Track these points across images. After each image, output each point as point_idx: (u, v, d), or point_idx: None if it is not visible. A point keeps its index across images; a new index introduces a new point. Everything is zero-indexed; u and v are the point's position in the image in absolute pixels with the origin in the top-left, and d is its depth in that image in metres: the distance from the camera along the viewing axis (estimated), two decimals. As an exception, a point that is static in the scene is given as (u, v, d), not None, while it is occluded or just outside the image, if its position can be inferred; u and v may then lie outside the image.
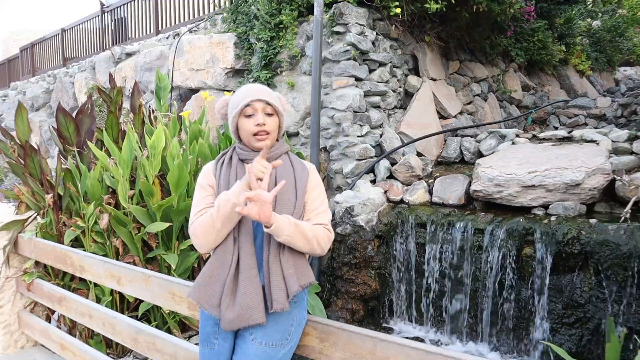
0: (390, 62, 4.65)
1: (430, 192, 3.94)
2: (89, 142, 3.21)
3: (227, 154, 1.74)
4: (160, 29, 7.52)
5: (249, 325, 1.53)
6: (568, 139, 4.15)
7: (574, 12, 7.98)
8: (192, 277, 3.25)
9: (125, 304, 3.12)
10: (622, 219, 2.96)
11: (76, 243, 3.17)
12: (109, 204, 3.10)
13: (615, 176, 3.27)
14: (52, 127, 3.47)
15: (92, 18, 9.27)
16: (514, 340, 3.25)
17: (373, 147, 4.32)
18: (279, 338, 1.59)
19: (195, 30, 5.99)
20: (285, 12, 4.46)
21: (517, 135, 4.45)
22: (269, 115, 1.64)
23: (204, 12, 6.56)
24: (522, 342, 3.21)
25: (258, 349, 1.56)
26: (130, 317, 2.72)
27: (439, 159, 4.69)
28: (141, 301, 3.01)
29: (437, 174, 4.21)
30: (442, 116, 5.13)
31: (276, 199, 1.58)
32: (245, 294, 1.54)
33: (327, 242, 1.61)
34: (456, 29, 5.24)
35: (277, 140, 1.72)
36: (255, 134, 1.62)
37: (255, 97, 1.62)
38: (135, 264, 3.02)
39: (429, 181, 4.08)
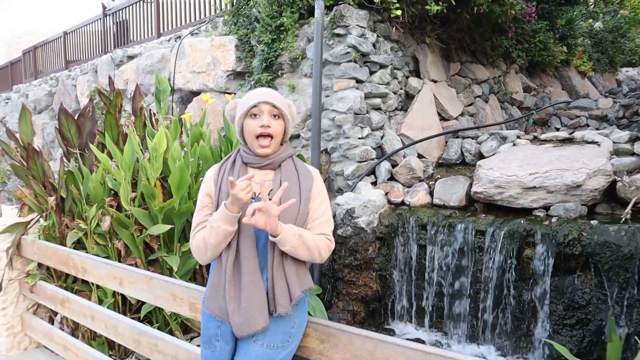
0: (391, 64, 4.66)
1: (431, 193, 3.95)
2: (90, 145, 3.22)
3: (230, 158, 1.74)
4: (161, 31, 7.55)
5: (255, 332, 1.55)
6: (569, 140, 4.15)
7: (575, 13, 7.98)
8: (193, 279, 3.26)
9: (127, 306, 3.13)
10: (623, 220, 2.96)
11: (78, 245, 3.19)
12: (111, 206, 3.12)
13: (616, 177, 3.27)
14: (56, 128, 3.49)
15: (94, 21, 9.31)
16: (514, 342, 3.25)
17: (374, 149, 4.33)
18: (280, 340, 1.60)
19: (196, 33, 6.02)
20: (286, 14, 4.47)
21: (518, 137, 4.45)
22: (275, 118, 1.64)
23: (205, 15, 6.58)
24: (523, 344, 3.21)
25: (259, 351, 1.58)
26: (133, 318, 2.73)
27: (439, 161, 4.69)
28: (143, 303, 3.03)
29: (438, 176, 4.21)
30: (443, 118, 5.14)
31: (280, 203, 1.59)
32: (250, 298, 1.56)
33: (328, 252, 1.64)
34: (457, 31, 5.24)
35: (282, 144, 1.72)
36: (258, 136, 1.63)
37: (262, 99, 1.63)
38: (137, 266, 3.03)
39: (430, 183, 4.08)
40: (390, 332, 3.69)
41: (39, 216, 3.28)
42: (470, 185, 3.76)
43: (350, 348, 1.60)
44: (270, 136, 1.63)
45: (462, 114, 5.39)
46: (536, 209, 3.36)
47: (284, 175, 1.66)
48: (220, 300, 1.61)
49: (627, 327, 2.81)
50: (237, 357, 1.62)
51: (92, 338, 3.15)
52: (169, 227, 2.96)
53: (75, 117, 3.52)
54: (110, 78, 4.28)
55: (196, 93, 5.54)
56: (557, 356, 3.05)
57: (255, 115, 1.63)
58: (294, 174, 1.67)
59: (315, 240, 1.59)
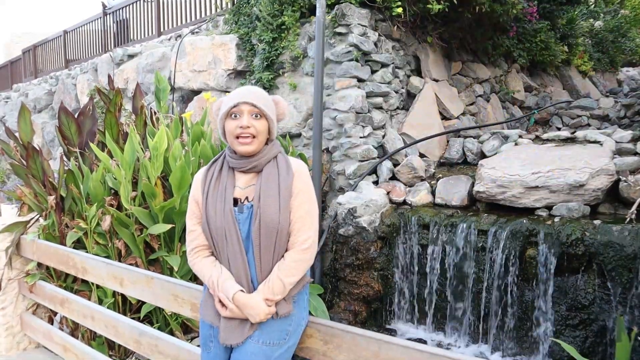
0: (393, 63, 4.64)
1: (433, 193, 3.93)
2: (90, 144, 3.20)
3: (218, 161, 1.72)
4: (162, 30, 7.52)
5: (239, 343, 1.57)
6: (571, 140, 4.13)
7: (576, 12, 7.96)
8: (194, 279, 3.24)
9: (127, 306, 3.11)
10: (627, 220, 2.94)
11: (78, 245, 3.16)
12: (111, 205, 3.09)
13: (619, 177, 3.25)
14: (57, 126, 3.46)
15: (94, 20, 9.28)
16: (517, 342, 3.23)
17: (375, 148, 4.31)
18: (277, 337, 1.60)
19: (197, 32, 6.00)
20: (287, 13, 4.45)
21: (520, 136, 4.44)
22: (256, 118, 1.61)
23: (205, 14, 6.55)
24: (526, 344, 3.20)
25: (255, 348, 1.57)
26: (133, 319, 2.71)
27: (441, 160, 4.68)
28: (143, 303, 3.01)
29: (440, 175, 4.20)
30: (444, 117, 5.12)
31: (260, 205, 1.57)
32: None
33: (306, 262, 1.62)
34: (458, 30, 5.22)
35: (267, 144, 1.68)
36: (237, 137, 1.60)
37: (242, 99, 1.59)
38: (137, 266, 3.01)
39: (432, 182, 4.06)
40: (392, 332, 3.67)
41: (38, 215, 3.26)
42: (472, 185, 3.74)
43: (354, 349, 1.58)
44: (252, 136, 1.60)
45: (463, 113, 5.37)
46: (539, 208, 3.34)
47: (264, 179, 1.62)
48: (210, 307, 1.65)
49: (634, 327, 2.79)
50: (234, 354, 1.62)
51: (92, 338, 3.13)
52: (169, 226, 2.95)
53: (76, 116, 3.50)
54: (109, 77, 4.26)
55: (197, 92, 5.51)
56: (559, 357, 3.03)
57: (235, 115, 1.60)
58: (274, 177, 1.62)
59: (283, 280, 1.56)
